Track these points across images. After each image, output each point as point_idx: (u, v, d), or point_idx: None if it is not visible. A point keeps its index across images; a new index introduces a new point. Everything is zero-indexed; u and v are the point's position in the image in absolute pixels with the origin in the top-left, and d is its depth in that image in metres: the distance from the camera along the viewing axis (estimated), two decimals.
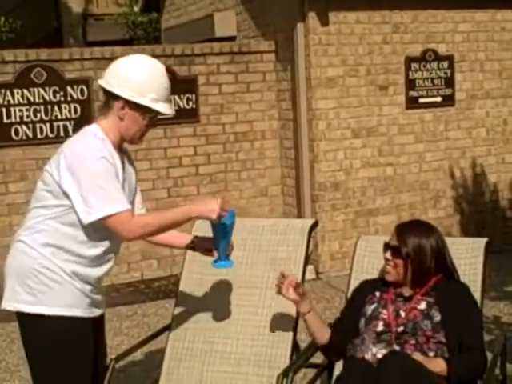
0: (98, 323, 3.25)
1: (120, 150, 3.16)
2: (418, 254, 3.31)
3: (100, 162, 2.97)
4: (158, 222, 3.06)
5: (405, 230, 3.40)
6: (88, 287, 3.14)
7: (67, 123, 7.00)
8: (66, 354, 3.09)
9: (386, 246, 3.40)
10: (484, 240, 3.63)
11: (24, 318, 3.10)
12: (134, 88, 3.05)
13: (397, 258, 3.34)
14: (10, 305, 3.11)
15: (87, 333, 3.14)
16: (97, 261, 3.14)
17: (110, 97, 3.09)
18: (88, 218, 2.97)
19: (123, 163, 3.16)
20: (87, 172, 2.96)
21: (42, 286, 3.05)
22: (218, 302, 3.72)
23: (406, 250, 3.31)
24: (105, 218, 2.96)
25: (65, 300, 3.08)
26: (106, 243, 3.12)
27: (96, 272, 3.17)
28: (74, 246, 3.07)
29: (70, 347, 3.09)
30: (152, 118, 3.12)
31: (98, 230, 3.04)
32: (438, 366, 3.12)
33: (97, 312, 3.23)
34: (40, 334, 3.09)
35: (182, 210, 3.11)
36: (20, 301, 3.07)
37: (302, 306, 3.38)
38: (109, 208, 2.96)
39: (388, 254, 3.37)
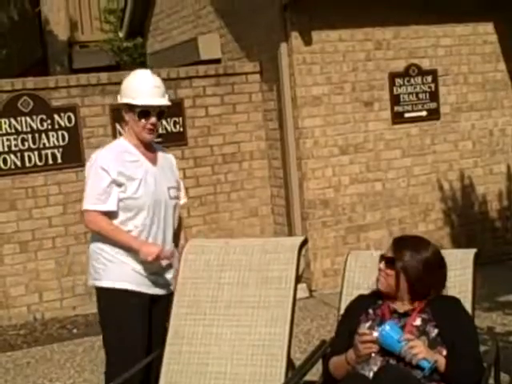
0: (156, 304, 3.94)
1: (149, 148, 4.00)
2: (412, 268, 3.31)
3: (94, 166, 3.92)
4: (110, 233, 3.86)
5: (402, 243, 3.41)
6: (137, 265, 3.87)
7: (55, 151, 7.01)
8: (113, 321, 3.90)
9: (381, 257, 3.41)
10: (473, 251, 3.65)
11: (96, 291, 3.99)
12: (123, 93, 3.96)
13: (389, 269, 3.35)
14: (89, 282, 4.04)
15: (133, 305, 3.85)
16: (141, 238, 3.89)
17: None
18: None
19: (154, 160, 4.00)
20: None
21: (101, 265, 3.92)
22: (211, 323, 3.73)
23: (400, 264, 3.32)
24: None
25: (116, 273, 3.88)
26: (135, 223, 3.87)
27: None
28: None
29: (116, 316, 3.88)
30: (141, 112, 3.87)
31: (121, 209, 3.87)
32: (438, 358, 3.13)
33: (150, 290, 3.92)
34: (99, 302, 3.97)
35: (132, 239, 3.86)
36: (91, 278, 4.00)
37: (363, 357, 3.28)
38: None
39: (382, 265, 3.38)
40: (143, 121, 3.91)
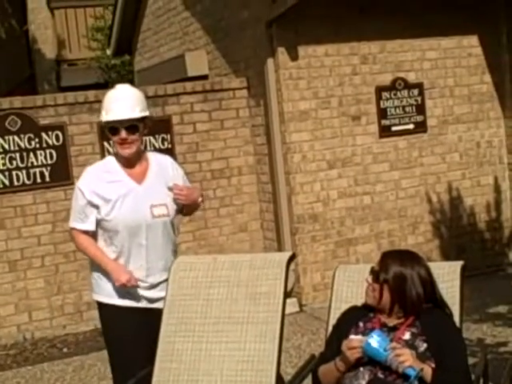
0: (156, 318, 3.79)
1: (136, 164, 3.94)
2: (399, 282, 3.32)
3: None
4: (88, 251, 3.98)
5: (389, 257, 3.42)
6: None
7: (43, 169, 7.00)
8: (109, 333, 4.01)
9: (370, 271, 3.44)
10: (460, 263, 3.66)
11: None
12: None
13: (375, 282, 3.37)
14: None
15: (125, 319, 3.91)
16: (122, 258, 3.94)
17: None
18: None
19: (141, 177, 3.94)
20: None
21: (94, 280, 4.04)
22: (200, 339, 3.72)
23: (385, 277, 3.34)
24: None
25: (106, 289, 3.96)
26: (114, 244, 3.91)
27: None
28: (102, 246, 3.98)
29: (111, 329, 3.98)
30: (111, 129, 3.87)
31: (100, 230, 3.93)
32: (425, 368, 3.13)
33: (140, 304, 3.97)
34: (99, 314, 4.09)
35: (106, 261, 3.93)
36: (92, 290, 4.11)
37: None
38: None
39: (369, 278, 3.41)
40: (115, 137, 3.88)
